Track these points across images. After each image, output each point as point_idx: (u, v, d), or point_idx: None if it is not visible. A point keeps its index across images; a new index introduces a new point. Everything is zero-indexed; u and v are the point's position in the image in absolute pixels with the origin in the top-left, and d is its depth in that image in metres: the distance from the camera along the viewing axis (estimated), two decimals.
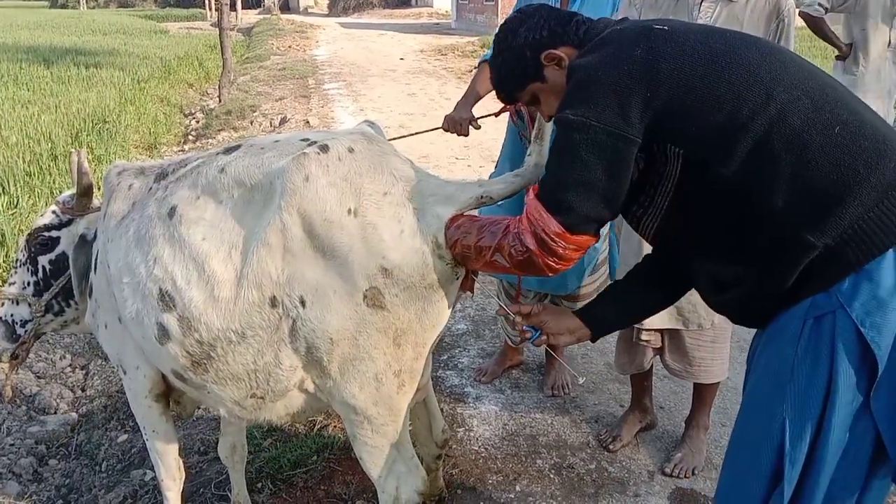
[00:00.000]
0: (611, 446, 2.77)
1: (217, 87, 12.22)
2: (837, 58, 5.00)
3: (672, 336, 2.59)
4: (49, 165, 6.70)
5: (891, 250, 1.30)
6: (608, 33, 1.54)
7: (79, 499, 2.89)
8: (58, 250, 2.18)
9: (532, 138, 1.78)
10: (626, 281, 1.82)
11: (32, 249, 2.19)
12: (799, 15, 3.68)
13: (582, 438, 2.86)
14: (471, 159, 7.43)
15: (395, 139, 2.27)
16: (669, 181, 1.46)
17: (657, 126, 1.41)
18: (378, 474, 1.85)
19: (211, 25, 27.34)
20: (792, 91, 1.36)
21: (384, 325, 1.68)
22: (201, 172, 1.82)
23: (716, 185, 1.39)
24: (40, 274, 2.19)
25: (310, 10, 40.75)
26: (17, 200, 5.69)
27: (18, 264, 2.21)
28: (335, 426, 2.91)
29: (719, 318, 2.47)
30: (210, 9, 32.54)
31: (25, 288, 2.20)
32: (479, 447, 2.81)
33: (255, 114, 10.10)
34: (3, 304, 2.23)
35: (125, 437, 3.24)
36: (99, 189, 2.22)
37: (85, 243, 2.13)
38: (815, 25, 4.89)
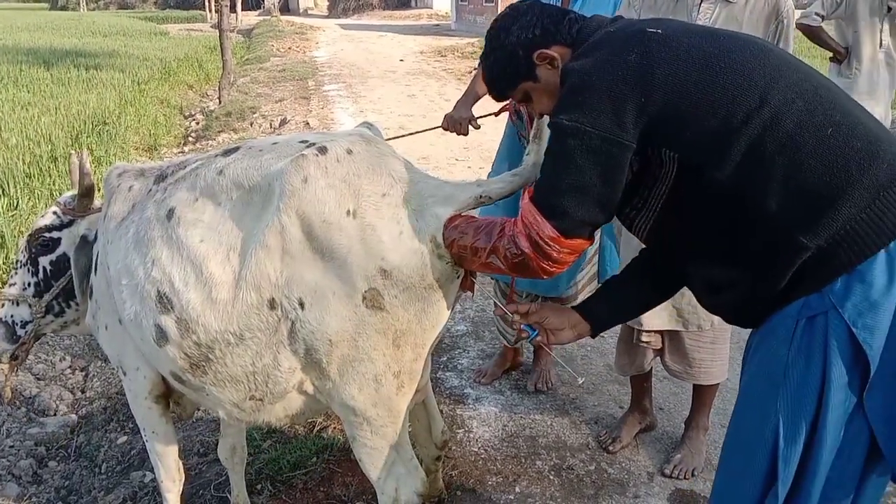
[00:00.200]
0: (610, 447, 2.77)
1: (217, 88, 12.25)
2: (832, 60, 5.01)
3: (672, 337, 2.59)
4: (49, 167, 6.71)
5: (882, 251, 1.30)
6: (601, 35, 1.53)
7: (78, 500, 2.89)
8: (59, 251, 2.17)
9: (530, 138, 1.78)
10: (622, 276, 1.82)
11: (33, 250, 2.18)
12: (797, 27, 3.69)
13: (581, 440, 2.86)
14: (470, 160, 7.43)
15: (393, 139, 2.26)
16: (664, 184, 1.46)
17: (652, 131, 1.41)
18: (377, 476, 1.85)
19: (211, 27, 27.42)
20: (786, 93, 1.36)
21: (383, 327, 1.68)
22: (200, 174, 1.82)
23: (710, 189, 1.39)
24: (41, 275, 2.18)
25: (310, 12, 40.86)
26: (17, 202, 5.70)
27: (19, 265, 2.21)
28: (335, 428, 2.90)
29: (719, 320, 2.46)
30: (210, 10, 32.65)
31: (26, 289, 2.20)
32: (479, 448, 2.81)
33: (254, 115, 10.11)
34: (3, 304, 2.23)
35: (125, 438, 3.24)
36: (99, 190, 2.22)
37: (86, 244, 2.13)
38: (813, 34, 4.92)
